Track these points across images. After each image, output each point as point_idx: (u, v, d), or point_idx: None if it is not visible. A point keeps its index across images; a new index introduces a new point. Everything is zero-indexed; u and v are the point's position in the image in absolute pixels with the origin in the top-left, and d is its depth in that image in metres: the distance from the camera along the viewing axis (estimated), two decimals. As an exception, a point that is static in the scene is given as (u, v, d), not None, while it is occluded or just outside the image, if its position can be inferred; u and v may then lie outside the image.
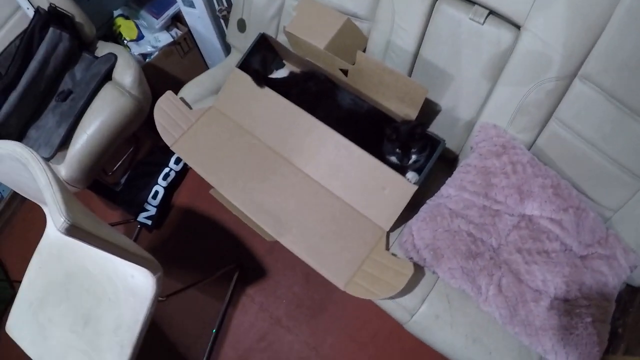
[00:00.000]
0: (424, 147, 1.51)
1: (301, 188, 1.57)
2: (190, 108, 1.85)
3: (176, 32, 2.54)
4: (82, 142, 1.90)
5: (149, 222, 2.35)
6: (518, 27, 1.36)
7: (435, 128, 1.66)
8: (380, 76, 1.54)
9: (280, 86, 1.73)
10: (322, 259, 1.44)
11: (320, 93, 1.71)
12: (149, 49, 2.46)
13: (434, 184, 1.55)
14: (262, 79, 1.71)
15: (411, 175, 1.50)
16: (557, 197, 1.44)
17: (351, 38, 1.71)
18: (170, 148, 1.74)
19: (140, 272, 1.39)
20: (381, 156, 1.52)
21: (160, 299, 1.45)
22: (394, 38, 1.61)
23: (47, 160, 1.84)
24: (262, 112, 1.70)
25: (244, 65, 1.79)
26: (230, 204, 1.61)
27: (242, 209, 1.57)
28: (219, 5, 2.19)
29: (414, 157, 1.50)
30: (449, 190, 1.52)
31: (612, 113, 1.31)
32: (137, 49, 2.44)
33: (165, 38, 2.49)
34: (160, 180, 2.40)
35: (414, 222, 1.49)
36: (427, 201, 1.55)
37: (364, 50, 1.72)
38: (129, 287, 1.45)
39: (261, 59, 1.94)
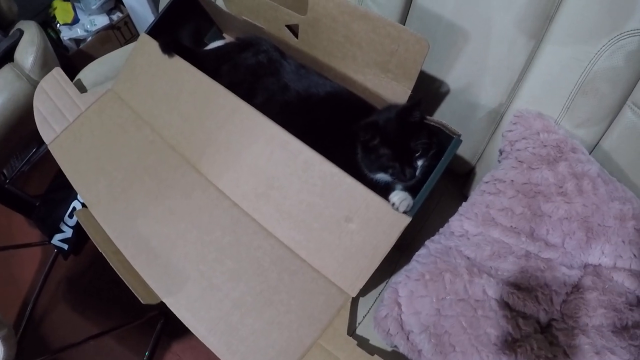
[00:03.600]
0: (429, 144, 0.79)
1: (209, 215, 0.84)
2: (85, 91, 1.20)
3: (118, 15, 1.99)
4: (-36, 138, 1.37)
5: (65, 247, 1.68)
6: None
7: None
8: (347, 27, 0.81)
9: (209, 60, 1.04)
10: (233, 341, 0.74)
11: (260, 67, 0.99)
12: (81, 33, 1.90)
13: (435, 213, 0.75)
14: (171, 46, 0.99)
15: (399, 197, 0.74)
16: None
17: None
18: (48, 147, 1.08)
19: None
20: (353, 169, 0.79)
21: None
22: (371, -24, 0.96)
23: None
24: (168, 94, 0.99)
25: (158, 32, 1.08)
26: (101, 234, 0.90)
27: (117, 244, 0.87)
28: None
29: (420, 163, 0.78)
30: (466, 225, 0.78)
31: None
32: (68, 34, 1.90)
33: (101, 21, 1.93)
34: (79, 194, 1.62)
35: (403, 282, 0.76)
36: (427, 243, 0.82)
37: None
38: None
39: (193, 30, 1.24)
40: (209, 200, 0.83)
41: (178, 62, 0.97)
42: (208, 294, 0.78)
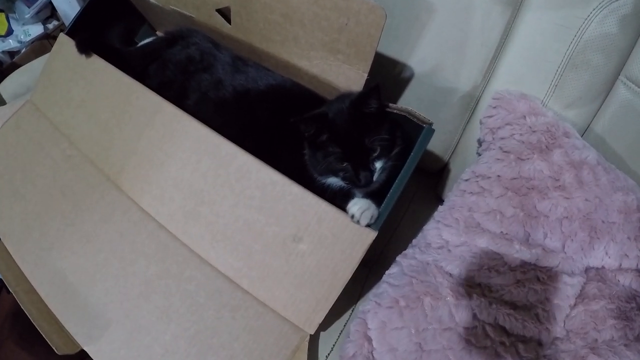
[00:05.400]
0: (392, 140, 0.63)
1: (132, 242, 0.68)
2: (4, 104, 1.14)
3: (54, 23, 1.79)
4: None
5: (6, 279, 1.39)
6: None
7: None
8: (284, 2, 0.70)
9: (135, 60, 0.89)
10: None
11: (190, 63, 0.83)
12: (14, 45, 1.73)
13: (407, 220, 0.62)
14: (88, 44, 0.84)
15: (359, 206, 0.58)
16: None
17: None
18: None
19: None
20: (304, 176, 0.64)
21: None
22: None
23: None
24: (85, 100, 0.83)
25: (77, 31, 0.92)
26: (14, 269, 0.75)
27: (32, 282, 0.72)
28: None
29: (379, 165, 0.62)
30: (445, 234, 0.62)
31: None
32: (0, 47, 1.73)
33: (36, 31, 1.75)
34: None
35: (373, 311, 0.61)
36: (398, 259, 0.65)
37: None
38: None
39: (122, 30, 1.07)
40: (130, 223, 0.67)
41: (96, 62, 0.81)
42: (135, 338, 0.64)
